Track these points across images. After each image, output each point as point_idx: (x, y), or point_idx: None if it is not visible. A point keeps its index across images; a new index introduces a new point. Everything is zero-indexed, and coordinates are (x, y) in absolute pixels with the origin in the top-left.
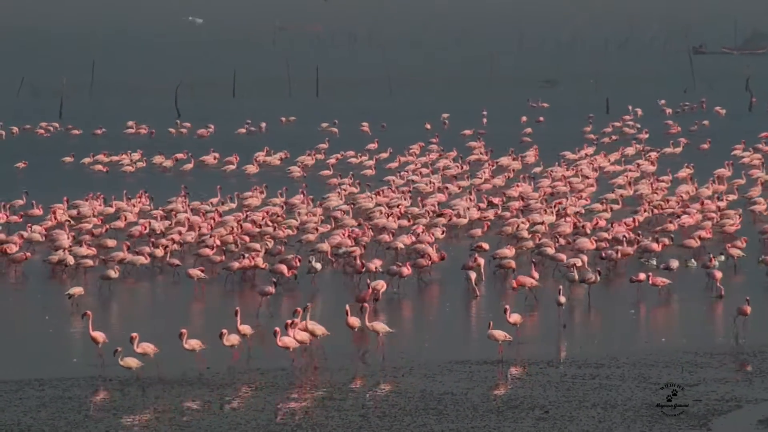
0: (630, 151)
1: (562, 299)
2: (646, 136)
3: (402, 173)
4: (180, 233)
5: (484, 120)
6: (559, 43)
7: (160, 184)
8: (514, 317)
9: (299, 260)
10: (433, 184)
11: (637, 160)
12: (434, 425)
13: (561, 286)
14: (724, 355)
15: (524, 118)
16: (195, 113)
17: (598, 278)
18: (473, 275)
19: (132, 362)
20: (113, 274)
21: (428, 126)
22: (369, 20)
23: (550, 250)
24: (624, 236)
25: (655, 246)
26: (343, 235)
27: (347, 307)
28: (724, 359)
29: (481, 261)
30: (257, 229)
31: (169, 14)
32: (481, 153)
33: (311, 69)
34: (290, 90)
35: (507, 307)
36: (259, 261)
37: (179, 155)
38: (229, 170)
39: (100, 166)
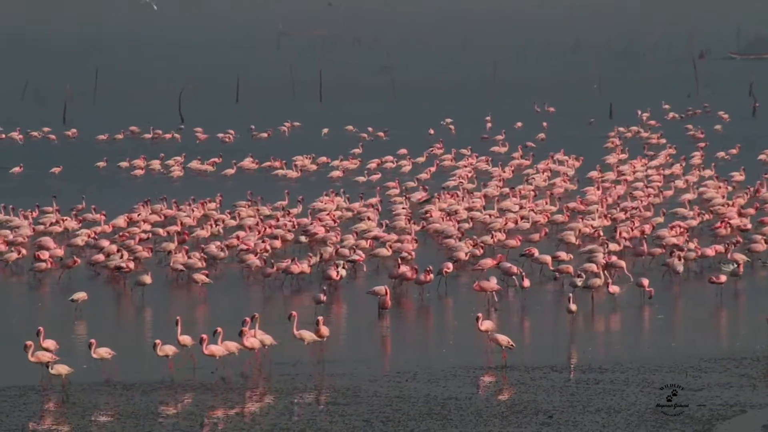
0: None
1: (573, 307)
2: (663, 141)
3: (456, 178)
4: (238, 237)
5: (488, 125)
6: (563, 47)
7: (208, 189)
8: (486, 324)
9: (337, 266)
10: (498, 187)
11: (674, 164)
12: (438, 430)
13: (571, 294)
14: (728, 360)
15: (519, 124)
16: (199, 118)
17: (603, 283)
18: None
19: (62, 369)
20: (147, 279)
21: (431, 131)
22: (372, 24)
23: (600, 256)
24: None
25: (709, 251)
26: (406, 240)
27: (319, 318)
28: (727, 364)
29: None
30: (317, 235)
31: (172, 20)
32: (521, 158)
33: (315, 73)
34: (294, 95)
35: (479, 315)
36: (305, 267)
37: (215, 159)
38: (280, 174)
39: (138, 171)
